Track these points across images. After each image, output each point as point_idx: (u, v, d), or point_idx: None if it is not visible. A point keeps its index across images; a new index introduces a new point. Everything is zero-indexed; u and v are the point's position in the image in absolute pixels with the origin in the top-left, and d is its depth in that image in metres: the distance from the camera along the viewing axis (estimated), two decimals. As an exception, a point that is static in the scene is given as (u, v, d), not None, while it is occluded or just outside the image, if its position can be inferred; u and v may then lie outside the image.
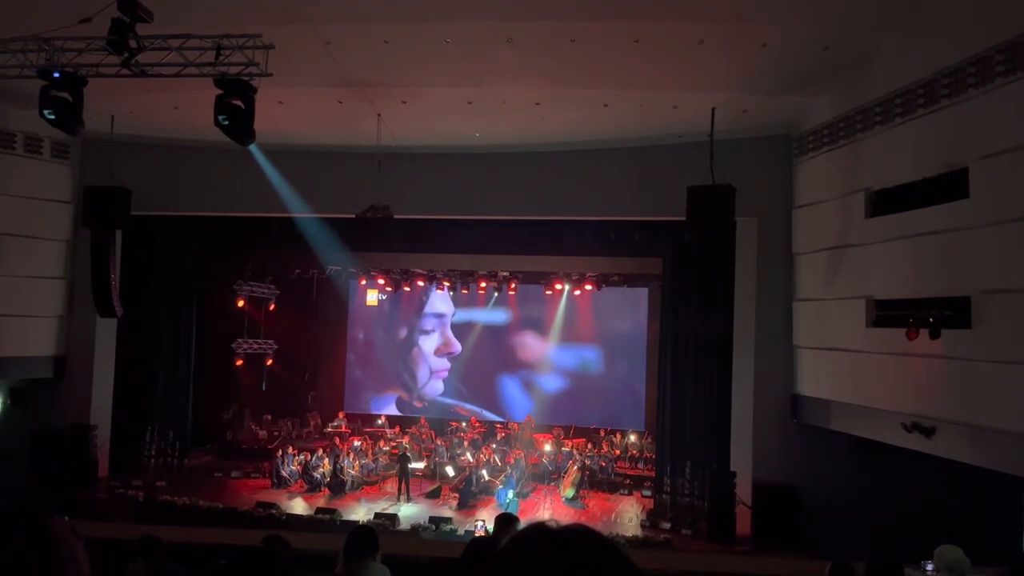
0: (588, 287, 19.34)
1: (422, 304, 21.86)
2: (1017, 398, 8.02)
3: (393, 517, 13.39)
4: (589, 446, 18.37)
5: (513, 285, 19.68)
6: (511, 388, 21.25)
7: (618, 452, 18.17)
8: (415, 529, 12.99)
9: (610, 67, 10.78)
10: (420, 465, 17.00)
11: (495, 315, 21.30)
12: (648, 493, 15.51)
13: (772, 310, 13.19)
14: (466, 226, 15.04)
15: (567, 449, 17.70)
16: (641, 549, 11.93)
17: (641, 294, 20.01)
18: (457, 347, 21.62)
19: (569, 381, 20.86)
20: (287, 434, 19.45)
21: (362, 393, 22.14)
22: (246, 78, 8.84)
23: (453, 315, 21.71)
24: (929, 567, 6.06)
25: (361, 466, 16.35)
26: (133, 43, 8.23)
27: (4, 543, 1.15)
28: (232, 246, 17.86)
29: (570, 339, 20.89)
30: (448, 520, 13.38)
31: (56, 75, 8.94)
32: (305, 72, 10.91)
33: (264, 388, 20.35)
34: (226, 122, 8.94)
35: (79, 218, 14.24)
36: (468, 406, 21.19)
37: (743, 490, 12.97)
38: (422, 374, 21.84)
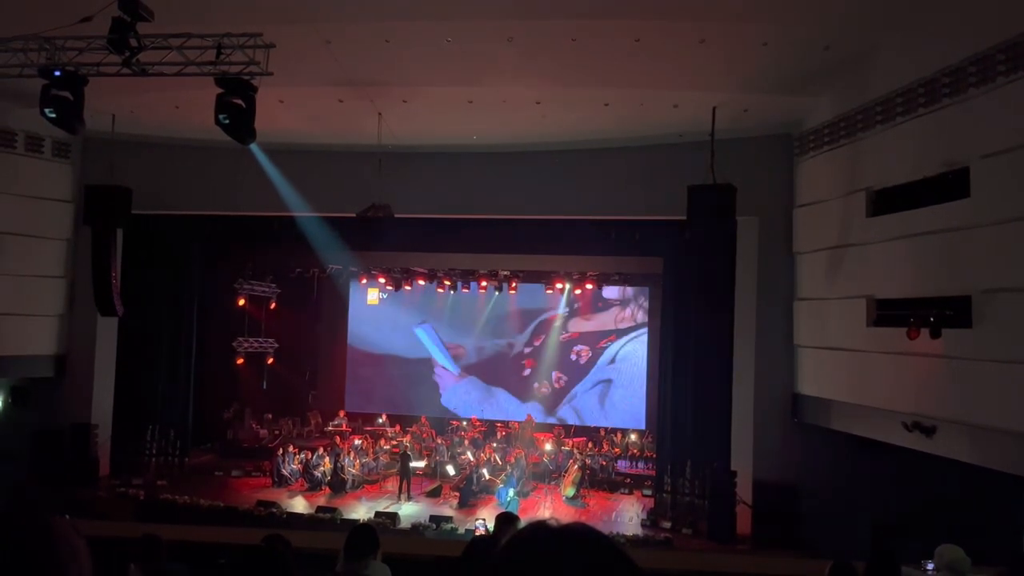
0: (589, 286, 19.34)
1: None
2: (1017, 398, 8.01)
3: (394, 516, 13.40)
4: (590, 445, 18.37)
5: (514, 284, 19.68)
6: (515, 394, 21.32)
7: (618, 451, 18.17)
8: (416, 528, 13.00)
9: (611, 66, 10.78)
10: (421, 464, 17.00)
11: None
12: (648, 492, 15.51)
13: (773, 309, 13.18)
14: (467, 225, 15.03)
15: (568, 448, 17.71)
16: (641, 548, 11.93)
17: (642, 293, 20.03)
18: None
19: (568, 381, 20.89)
20: (288, 433, 19.45)
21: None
22: (247, 77, 8.84)
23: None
24: (929, 567, 6.06)
25: (362, 465, 16.36)
26: (134, 42, 8.23)
27: (6, 542, 1.15)
28: (233, 245, 17.86)
29: (570, 338, 20.92)
30: (449, 519, 13.39)
31: (57, 74, 8.94)
32: (306, 71, 10.91)
33: (265, 387, 20.38)
34: (227, 121, 8.94)
35: (80, 217, 14.25)
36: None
37: (743, 489, 12.97)
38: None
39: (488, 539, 6.12)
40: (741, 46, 10.05)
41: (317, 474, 15.84)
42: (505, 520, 5.96)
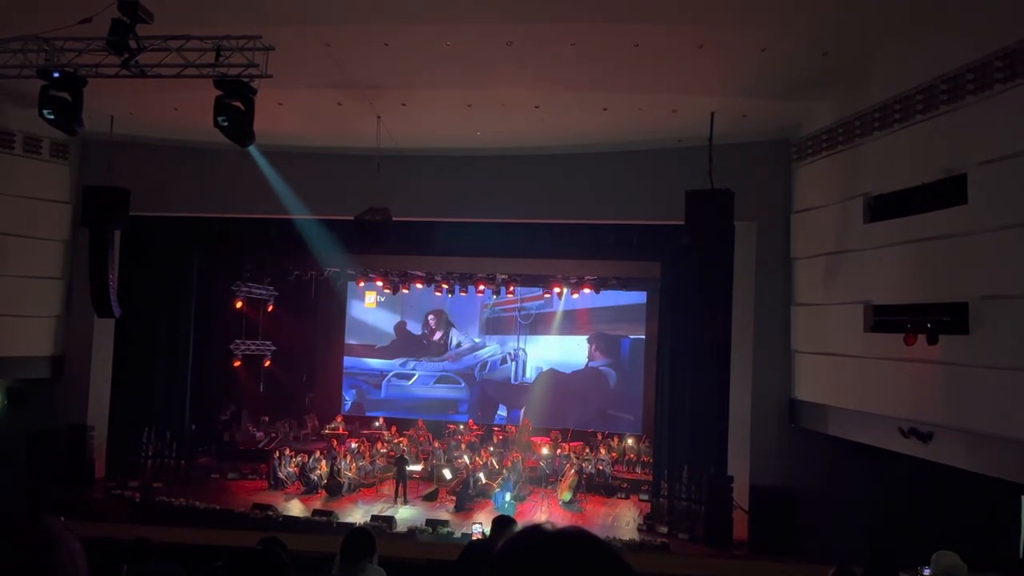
0: (587, 290, 19.34)
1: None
2: (1014, 404, 8.02)
3: (390, 519, 13.38)
4: (587, 450, 18.35)
5: (512, 288, 19.68)
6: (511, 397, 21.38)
7: (615, 456, 18.16)
8: (412, 531, 12.98)
9: (610, 71, 10.79)
10: (417, 467, 16.98)
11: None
12: (645, 497, 15.51)
13: (770, 314, 13.18)
14: (465, 228, 15.03)
15: (564, 452, 17.69)
16: (638, 553, 11.93)
17: (639, 298, 20.04)
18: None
19: (567, 384, 20.88)
20: (284, 435, 19.41)
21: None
22: (246, 79, 8.83)
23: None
24: (926, 572, 6.06)
25: (358, 468, 16.33)
26: (133, 44, 8.23)
27: (3, 542, 1.14)
28: (231, 247, 17.84)
29: (568, 342, 20.94)
30: (445, 523, 13.37)
31: (56, 75, 8.93)
32: (305, 74, 10.91)
33: (262, 389, 20.34)
34: (226, 123, 8.93)
35: (78, 218, 14.21)
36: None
37: (740, 494, 12.96)
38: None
39: (484, 542, 6.10)
40: (740, 52, 10.06)
41: (313, 477, 15.82)
42: (501, 523, 5.93)
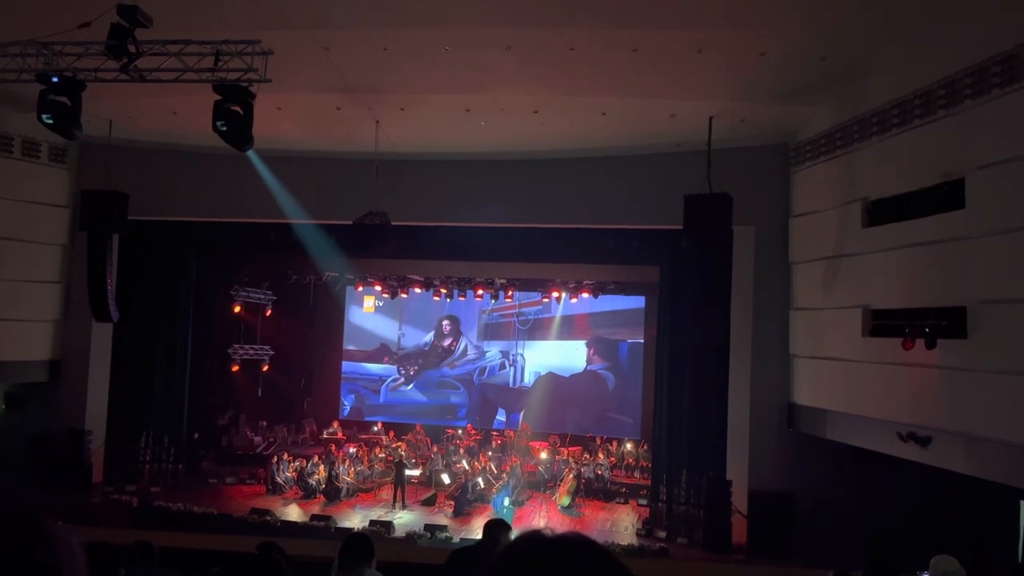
0: (585, 295, 19.35)
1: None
2: (1012, 408, 8.03)
3: (388, 524, 13.35)
4: (585, 454, 18.32)
5: (510, 292, 19.68)
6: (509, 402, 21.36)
7: (614, 460, 18.14)
8: (410, 536, 12.95)
9: (608, 75, 10.81)
10: (416, 472, 16.93)
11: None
12: (644, 502, 15.49)
13: (769, 319, 13.19)
14: (464, 233, 15.03)
15: (563, 457, 17.67)
16: (637, 558, 11.91)
17: (638, 302, 20.05)
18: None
19: (565, 387, 20.87)
20: (282, 440, 19.38)
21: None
22: (245, 84, 8.83)
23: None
24: (925, 577, 6.05)
25: (356, 473, 16.29)
26: (132, 48, 8.24)
27: (3, 546, 1.14)
28: (229, 251, 17.82)
29: (566, 346, 20.93)
30: (443, 527, 13.33)
31: (55, 79, 8.93)
32: (304, 78, 10.92)
33: (260, 394, 20.30)
34: (224, 128, 8.92)
35: (76, 222, 14.21)
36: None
37: (739, 499, 12.95)
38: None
39: (473, 548, 6.05)
40: (738, 56, 10.08)
41: (311, 482, 15.78)
42: (494, 528, 5.80)
